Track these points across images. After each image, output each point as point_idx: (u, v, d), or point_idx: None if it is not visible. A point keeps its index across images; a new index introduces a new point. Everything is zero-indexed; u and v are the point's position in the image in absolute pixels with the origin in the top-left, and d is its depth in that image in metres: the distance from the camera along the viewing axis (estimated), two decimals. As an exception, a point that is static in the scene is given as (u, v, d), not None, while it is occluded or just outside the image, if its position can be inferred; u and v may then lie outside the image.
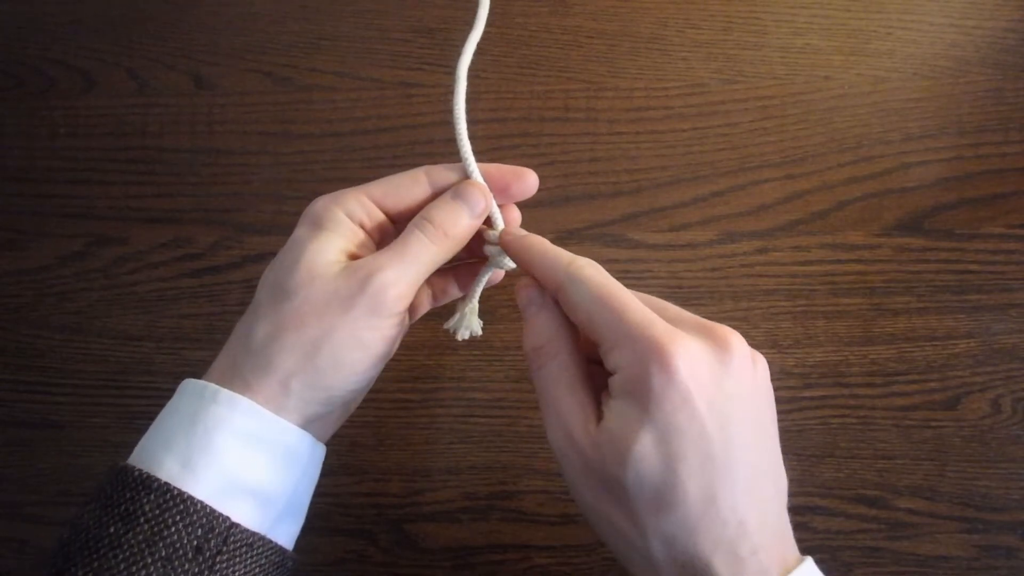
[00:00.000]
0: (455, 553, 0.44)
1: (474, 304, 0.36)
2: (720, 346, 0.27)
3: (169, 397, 0.31)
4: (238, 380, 0.30)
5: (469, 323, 0.36)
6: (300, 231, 0.32)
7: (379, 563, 0.44)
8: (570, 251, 0.31)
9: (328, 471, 0.40)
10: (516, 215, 0.36)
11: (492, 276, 0.37)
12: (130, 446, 0.30)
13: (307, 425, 0.31)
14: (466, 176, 0.34)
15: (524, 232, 0.34)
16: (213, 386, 0.30)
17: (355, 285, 0.30)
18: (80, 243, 0.46)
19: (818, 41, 0.45)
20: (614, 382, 0.28)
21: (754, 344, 0.29)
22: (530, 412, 0.44)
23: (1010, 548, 0.43)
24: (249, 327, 0.31)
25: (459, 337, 0.36)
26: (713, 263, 0.44)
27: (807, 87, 0.45)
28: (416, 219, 0.32)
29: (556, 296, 0.30)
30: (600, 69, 0.46)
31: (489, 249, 0.35)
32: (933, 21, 0.45)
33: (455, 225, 0.32)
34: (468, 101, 0.34)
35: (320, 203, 0.33)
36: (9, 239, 0.46)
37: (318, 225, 0.32)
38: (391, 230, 0.34)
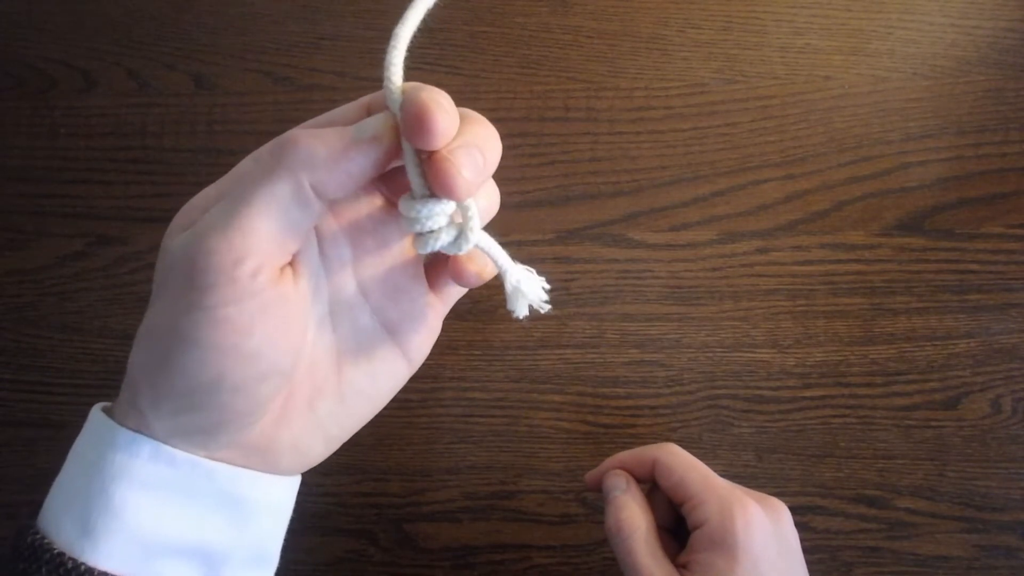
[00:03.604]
0: (455, 553, 0.44)
1: (511, 267, 0.25)
2: (773, 506, 0.34)
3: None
4: (132, 400, 0.24)
5: (521, 291, 0.26)
6: None
7: (379, 563, 0.44)
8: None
9: (328, 471, 0.40)
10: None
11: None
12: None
13: (217, 452, 0.25)
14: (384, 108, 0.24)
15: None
16: (111, 422, 0.24)
17: (178, 243, 0.23)
18: (80, 243, 0.46)
19: (818, 41, 0.45)
20: (700, 535, 0.32)
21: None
22: (530, 412, 0.44)
23: (1010, 548, 0.43)
24: None
25: (518, 315, 0.26)
26: (713, 263, 0.44)
27: (807, 87, 0.45)
28: None
29: (653, 466, 0.35)
30: (600, 69, 0.46)
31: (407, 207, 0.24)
32: (933, 21, 0.45)
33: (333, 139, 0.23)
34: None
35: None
36: (9, 239, 0.46)
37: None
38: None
